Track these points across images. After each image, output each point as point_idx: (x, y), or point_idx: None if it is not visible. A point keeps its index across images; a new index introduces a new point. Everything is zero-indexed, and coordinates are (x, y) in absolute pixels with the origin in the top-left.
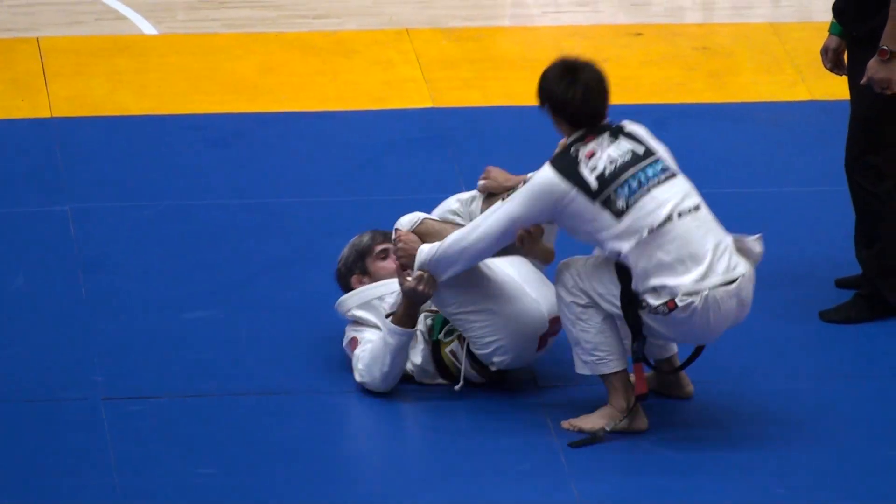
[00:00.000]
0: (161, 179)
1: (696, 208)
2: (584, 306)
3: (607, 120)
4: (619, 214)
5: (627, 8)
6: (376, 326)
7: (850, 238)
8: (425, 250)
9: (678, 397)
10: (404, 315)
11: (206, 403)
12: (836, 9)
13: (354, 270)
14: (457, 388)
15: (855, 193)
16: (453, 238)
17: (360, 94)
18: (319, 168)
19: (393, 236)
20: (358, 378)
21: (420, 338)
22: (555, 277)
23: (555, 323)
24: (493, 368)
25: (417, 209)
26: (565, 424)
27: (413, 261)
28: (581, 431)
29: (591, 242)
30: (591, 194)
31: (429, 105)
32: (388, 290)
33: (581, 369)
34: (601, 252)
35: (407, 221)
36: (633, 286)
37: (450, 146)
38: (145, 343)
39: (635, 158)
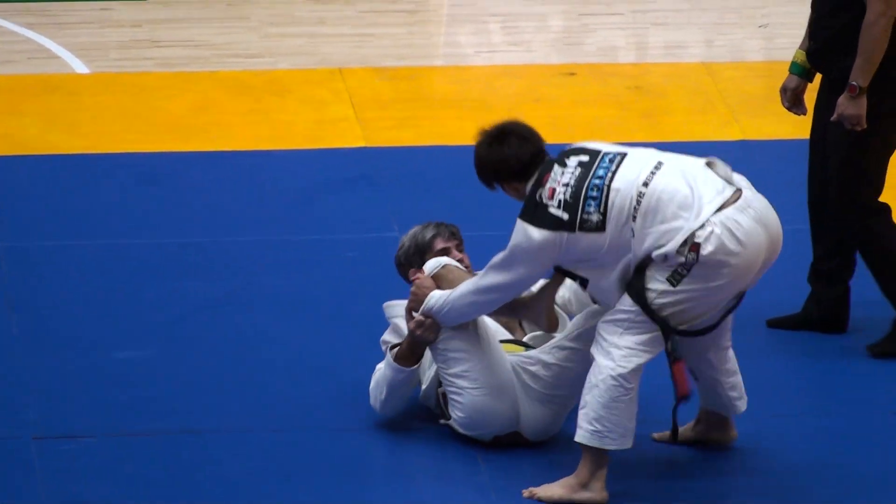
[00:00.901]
0: (93, 218)
1: (659, 165)
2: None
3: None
4: (601, 227)
5: (560, 47)
6: None
7: (789, 274)
8: (434, 297)
9: (718, 442)
10: (407, 352)
11: (138, 442)
12: (810, 51)
13: (413, 263)
14: (442, 422)
15: (862, 239)
16: (461, 291)
17: (293, 133)
18: (252, 207)
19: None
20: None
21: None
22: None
23: (517, 436)
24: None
25: (350, 249)
26: (525, 493)
27: (421, 305)
28: (539, 500)
29: (601, 283)
30: (570, 227)
31: (361, 144)
32: None
33: (576, 435)
34: (614, 285)
35: (431, 266)
36: (652, 272)
37: (382, 185)
38: (77, 382)
39: (585, 168)
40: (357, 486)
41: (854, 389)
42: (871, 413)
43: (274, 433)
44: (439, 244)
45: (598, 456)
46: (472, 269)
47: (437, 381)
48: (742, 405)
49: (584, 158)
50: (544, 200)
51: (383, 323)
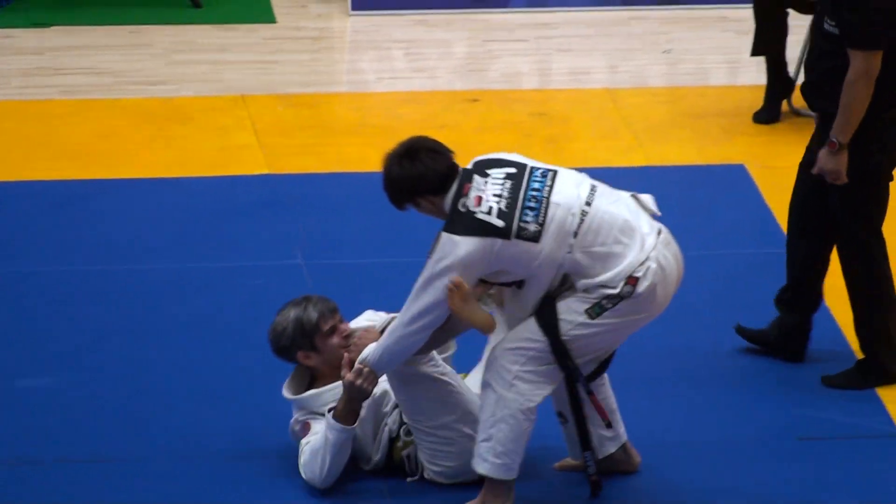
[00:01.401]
0: None
1: (594, 188)
2: (521, 411)
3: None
4: (536, 238)
5: (464, 74)
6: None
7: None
8: (370, 347)
9: (626, 472)
10: (345, 410)
11: (40, 472)
12: (804, 85)
13: (302, 346)
14: (410, 480)
15: (862, 270)
16: (390, 330)
17: (196, 160)
18: (155, 234)
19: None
20: (301, 472)
21: (383, 429)
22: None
23: None
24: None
25: (254, 276)
26: None
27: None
28: None
29: (525, 294)
30: (505, 234)
31: (264, 171)
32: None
33: (480, 466)
34: (535, 295)
35: (381, 320)
36: (569, 303)
37: (286, 212)
38: None
39: (515, 181)
40: None
41: (762, 415)
42: (778, 439)
43: (180, 461)
44: (326, 324)
45: (507, 486)
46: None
47: (390, 440)
48: (614, 445)
49: (512, 170)
50: (471, 209)
51: None
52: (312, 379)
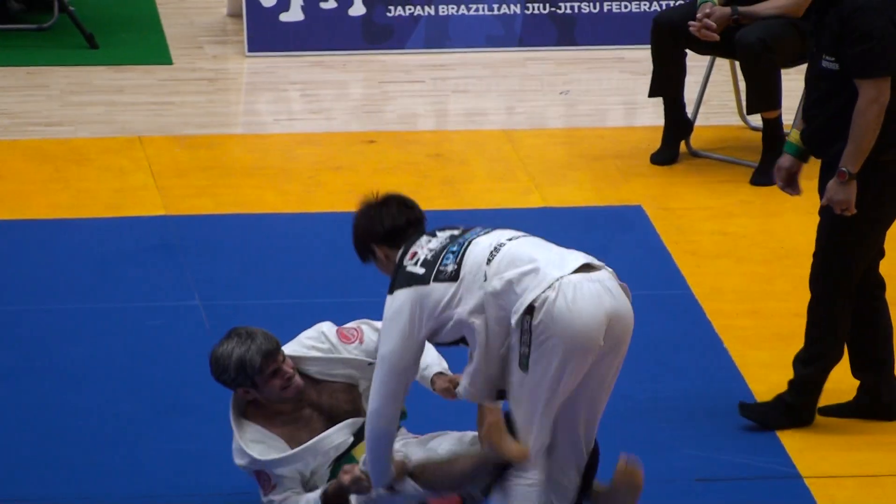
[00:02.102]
0: None
1: (525, 235)
2: None
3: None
4: (454, 277)
5: (360, 115)
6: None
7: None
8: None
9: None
10: (334, 499)
11: None
12: (804, 133)
13: (242, 384)
14: None
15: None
16: (369, 414)
17: (92, 201)
18: (50, 275)
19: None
20: None
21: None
22: None
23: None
24: None
25: (151, 317)
26: None
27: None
28: None
29: (457, 340)
30: (424, 280)
31: (161, 213)
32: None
33: None
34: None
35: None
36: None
37: (182, 254)
38: None
39: (454, 236)
40: None
41: (658, 456)
42: (675, 481)
43: (77, 501)
44: (269, 367)
45: None
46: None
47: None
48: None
49: (456, 231)
50: (405, 263)
51: (184, 389)
52: (248, 405)
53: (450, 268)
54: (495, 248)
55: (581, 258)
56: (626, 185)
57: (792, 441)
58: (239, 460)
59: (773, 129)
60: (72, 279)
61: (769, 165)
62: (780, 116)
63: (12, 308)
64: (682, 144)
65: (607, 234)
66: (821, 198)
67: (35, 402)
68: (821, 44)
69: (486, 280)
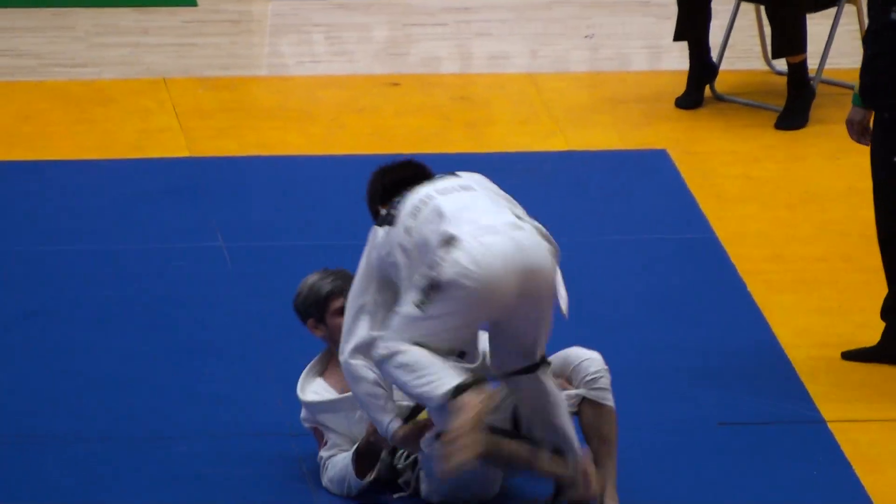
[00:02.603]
0: None
1: (467, 187)
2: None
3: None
4: (391, 222)
5: (384, 58)
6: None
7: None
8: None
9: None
10: (364, 452)
11: None
12: (865, 86)
13: (311, 314)
14: (397, 496)
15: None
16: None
17: (117, 143)
18: (75, 216)
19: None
20: (324, 482)
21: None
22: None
23: None
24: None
25: (174, 259)
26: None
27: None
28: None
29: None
30: (377, 222)
31: (185, 154)
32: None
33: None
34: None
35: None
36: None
37: (206, 195)
38: None
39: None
40: (175, 494)
41: (681, 402)
42: (699, 425)
43: (108, 442)
44: (337, 303)
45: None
46: None
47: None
48: None
49: (436, 178)
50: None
51: (208, 330)
52: (328, 363)
53: (392, 212)
54: (426, 198)
55: (504, 217)
56: (651, 129)
57: (815, 386)
58: (301, 415)
59: (797, 74)
60: (96, 220)
61: (794, 110)
62: (804, 61)
63: (37, 249)
64: (707, 89)
65: (631, 178)
66: (874, 155)
67: (59, 343)
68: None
69: (405, 231)
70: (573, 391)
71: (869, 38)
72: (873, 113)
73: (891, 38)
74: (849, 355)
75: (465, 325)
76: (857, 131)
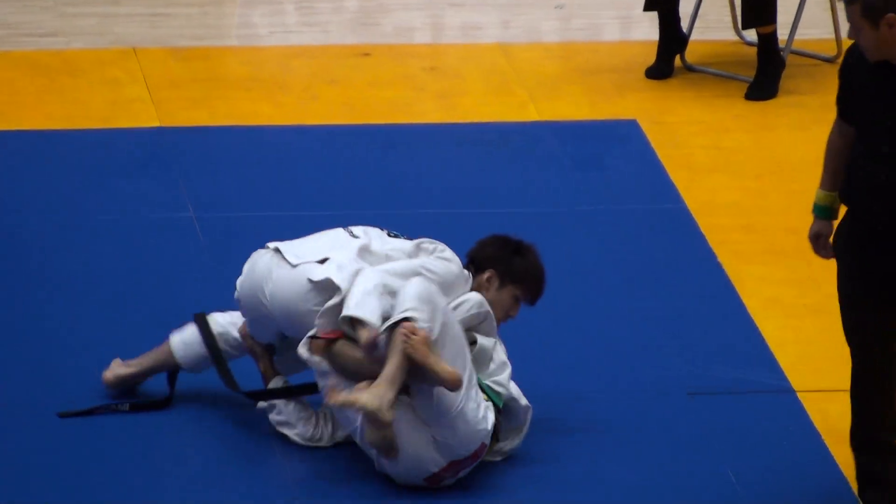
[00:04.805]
0: None
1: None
2: None
3: None
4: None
5: (356, 28)
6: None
7: (598, 259)
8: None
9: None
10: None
11: None
12: (870, 219)
13: (496, 268)
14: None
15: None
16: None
17: (86, 113)
18: (44, 187)
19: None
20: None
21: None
22: None
23: (449, 469)
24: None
25: (146, 229)
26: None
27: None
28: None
29: None
30: None
31: (156, 125)
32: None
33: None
34: None
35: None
36: None
37: (177, 166)
38: None
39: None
40: (142, 461)
41: (651, 371)
42: (668, 394)
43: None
44: None
45: None
46: None
47: None
48: None
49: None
50: None
51: (178, 301)
52: None
53: None
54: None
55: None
56: (621, 100)
57: (785, 356)
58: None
59: (767, 45)
60: (65, 191)
61: (764, 80)
62: (775, 31)
63: (4, 219)
64: (677, 59)
65: (602, 147)
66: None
67: (28, 313)
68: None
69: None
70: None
71: (872, 163)
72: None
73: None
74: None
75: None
76: (821, 245)
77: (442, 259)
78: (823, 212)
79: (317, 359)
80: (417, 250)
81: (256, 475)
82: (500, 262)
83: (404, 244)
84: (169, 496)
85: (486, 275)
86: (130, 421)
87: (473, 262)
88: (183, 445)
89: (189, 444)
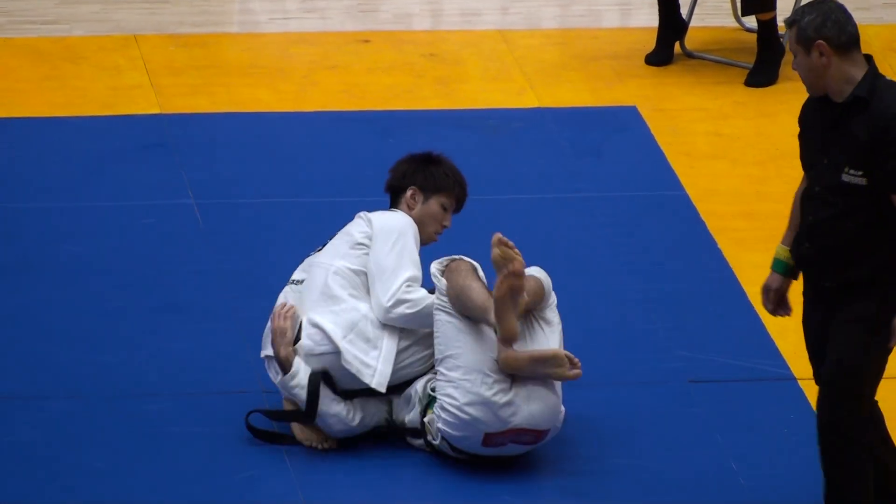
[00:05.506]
0: None
1: (300, 282)
2: None
3: None
4: None
5: (355, 14)
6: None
7: (599, 245)
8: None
9: None
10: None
11: None
12: (804, 254)
13: (415, 182)
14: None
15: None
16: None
17: (87, 100)
18: (45, 174)
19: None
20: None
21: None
22: None
23: (510, 434)
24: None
25: (145, 216)
26: None
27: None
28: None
29: None
30: None
31: (156, 111)
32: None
33: None
34: None
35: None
36: None
37: (177, 152)
38: None
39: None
40: (145, 452)
41: (652, 358)
42: (669, 382)
43: (76, 400)
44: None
45: None
46: None
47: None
48: None
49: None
50: None
51: (178, 287)
52: None
53: None
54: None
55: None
56: (621, 86)
57: (786, 343)
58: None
59: (767, 31)
60: (66, 177)
61: (763, 67)
62: (774, 18)
63: (6, 206)
64: (677, 45)
65: (602, 134)
66: (809, 331)
67: (29, 300)
68: (841, 156)
69: None
70: None
71: (811, 200)
72: (792, 281)
73: (842, 202)
74: None
75: None
76: (772, 300)
77: (382, 219)
78: (781, 266)
79: (444, 283)
80: (353, 229)
81: (257, 475)
82: (418, 176)
83: (338, 242)
84: (169, 496)
85: (408, 192)
86: (130, 418)
87: (392, 189)
88: (183, 445)
89: (189, 444)
